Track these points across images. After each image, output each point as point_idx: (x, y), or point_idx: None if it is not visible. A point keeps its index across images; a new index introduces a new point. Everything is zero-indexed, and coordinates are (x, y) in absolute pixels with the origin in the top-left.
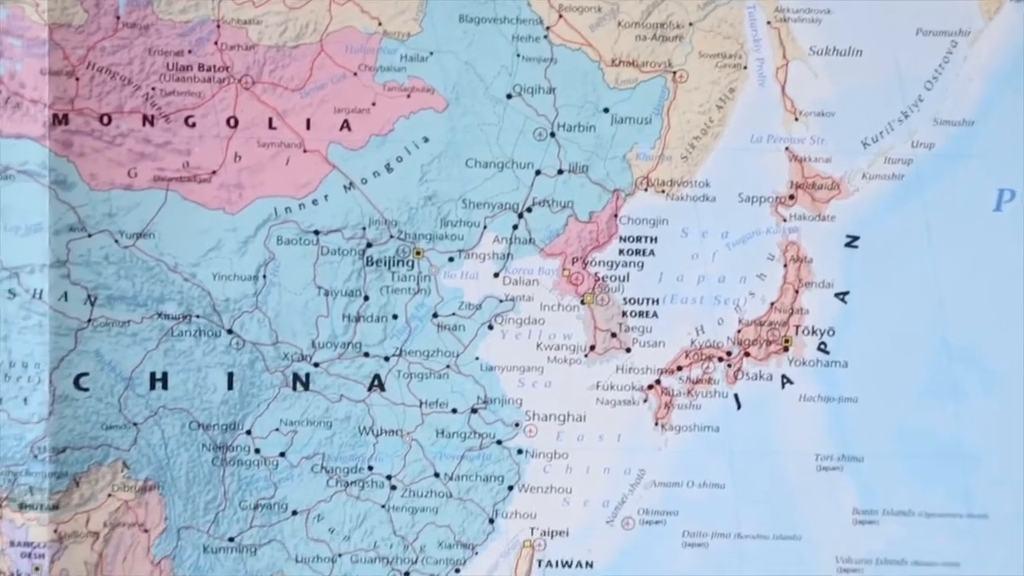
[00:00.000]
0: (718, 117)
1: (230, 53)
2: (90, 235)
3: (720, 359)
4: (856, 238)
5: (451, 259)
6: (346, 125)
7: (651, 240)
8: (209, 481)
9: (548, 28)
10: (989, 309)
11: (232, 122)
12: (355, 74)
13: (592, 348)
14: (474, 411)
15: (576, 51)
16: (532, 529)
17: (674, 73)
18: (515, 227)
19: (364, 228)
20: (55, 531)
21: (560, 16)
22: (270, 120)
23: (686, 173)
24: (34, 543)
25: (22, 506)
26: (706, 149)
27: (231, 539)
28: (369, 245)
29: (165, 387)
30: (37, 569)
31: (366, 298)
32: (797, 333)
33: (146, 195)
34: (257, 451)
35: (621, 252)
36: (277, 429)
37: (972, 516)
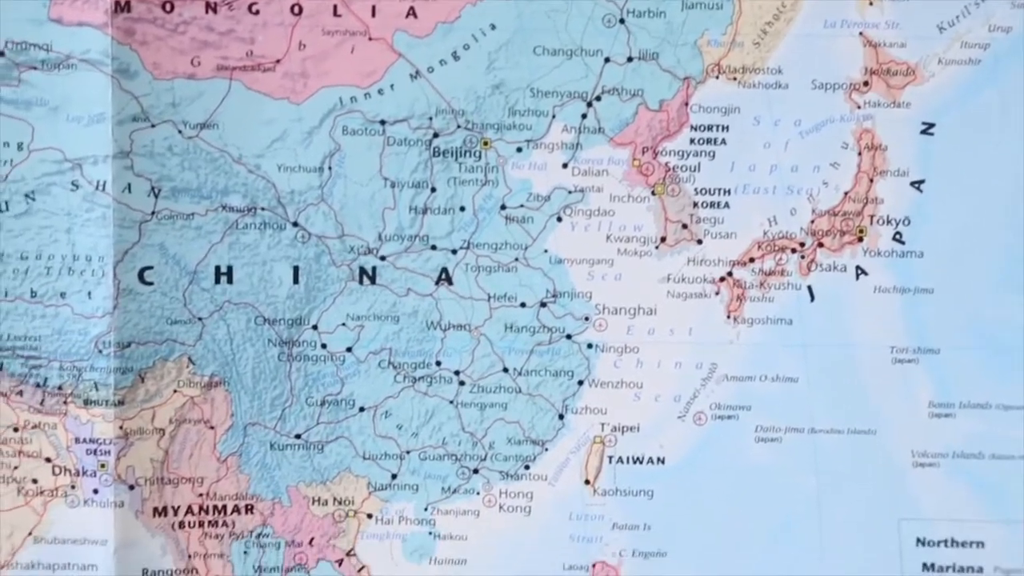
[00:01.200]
0: (791, 2)
1: None
2: (153, 125)
3: (793, 250)
4: (932, 125)
5: (519, 149)
6: (412, 12)
7: (722, 129)
8: (275, 377)
9: None
10: None
11: (296, 9)
12: None
13: (663, 240)
14: (543, 305)
15: None
16: (602, 425)
17: None
18: (584, 116)
19: (431, 118)
20: (120, 428)
21: None
22: (335, 7)
23: (758, 60)
24: (99, 440)
25: (87, 402)
26: (778, 35)
27: (298, 436)
28: (436, 135)
29: (230, 281)
30: (103, 466)
31: (433, 190)
32: (872, 223)
33: (209, 84)
34: (324, 346)
35: (692, 141)
36: (343, 324)
37: None
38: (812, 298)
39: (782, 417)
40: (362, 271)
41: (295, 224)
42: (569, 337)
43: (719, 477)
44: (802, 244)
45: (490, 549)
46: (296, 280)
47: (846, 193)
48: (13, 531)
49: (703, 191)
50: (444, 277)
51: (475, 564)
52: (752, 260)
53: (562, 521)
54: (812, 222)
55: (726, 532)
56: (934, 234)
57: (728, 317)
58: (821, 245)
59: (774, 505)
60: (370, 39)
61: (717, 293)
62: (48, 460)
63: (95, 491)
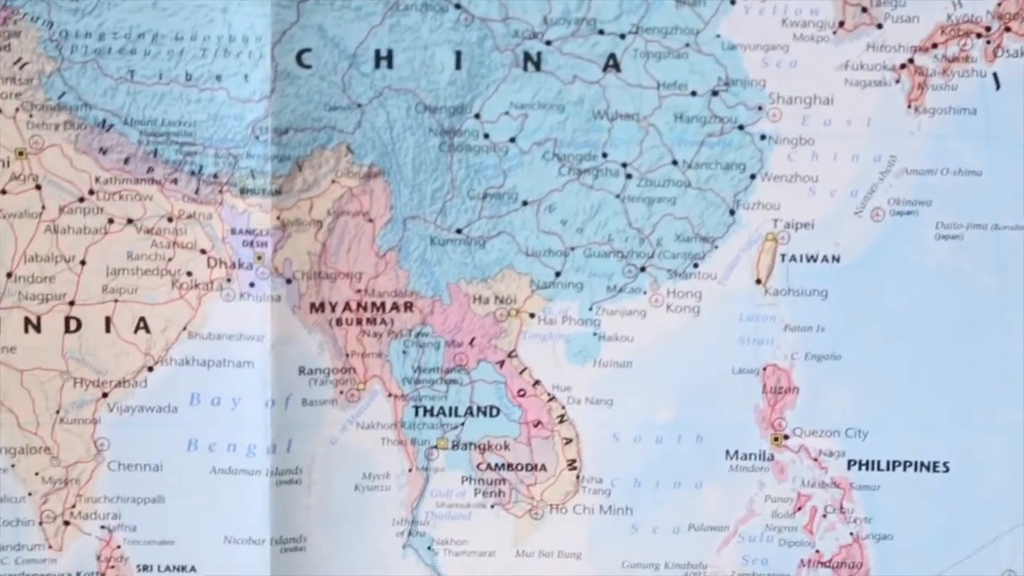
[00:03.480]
0: None
1: None
2: None
3: (978, 35)
4: None
5: None
6: None
7: None
8: (436, 168)
9: None
10: None
11: None
12: None
13: (841, 24)
14: (715, 93)
15: None
16: (775, 221)
17: None
18: None
19: None
20: (277, 218)
21: None
22: None
23: None
24: (256, 230)
25: (243, 191)
26: None
27: (459, 231)
28: None
29: (390, 66)
30: (259, 258)
31: None
32: None
33: None
34: (486, 136)
35: None
36: (507, 112)
37: None
38: (998, 86)
39: (964, 213)
40: (526, 56)
41: (457, 6)
42: (741, 128)
43: (897, 276)
44: (988, 28)
45: (656, 351)
46: (458, 66)
47: None
48: (167, 326)
49: None
50: (612, 63)
51: (641, 367)
52: (935, 46)
53: (732, 322)
54: (999, 5)
55: (903, 334)
56: None
57: (908, 107)
58: (1008, 30)
59: (954, 306)
60: None
61: (897, 81)
62: (203, 252)
63: (251, 284)
